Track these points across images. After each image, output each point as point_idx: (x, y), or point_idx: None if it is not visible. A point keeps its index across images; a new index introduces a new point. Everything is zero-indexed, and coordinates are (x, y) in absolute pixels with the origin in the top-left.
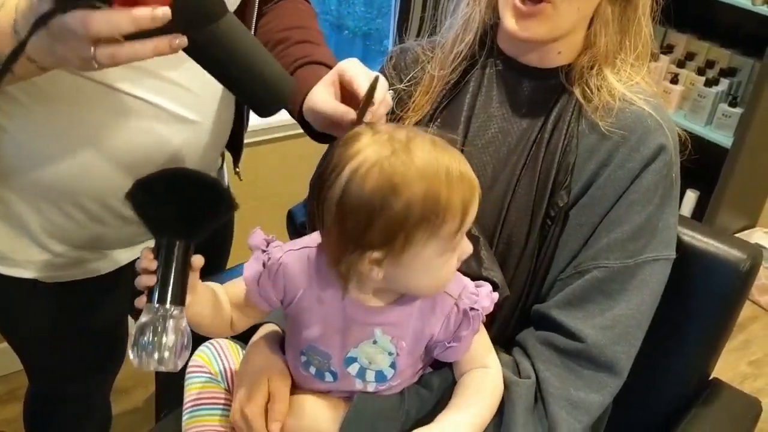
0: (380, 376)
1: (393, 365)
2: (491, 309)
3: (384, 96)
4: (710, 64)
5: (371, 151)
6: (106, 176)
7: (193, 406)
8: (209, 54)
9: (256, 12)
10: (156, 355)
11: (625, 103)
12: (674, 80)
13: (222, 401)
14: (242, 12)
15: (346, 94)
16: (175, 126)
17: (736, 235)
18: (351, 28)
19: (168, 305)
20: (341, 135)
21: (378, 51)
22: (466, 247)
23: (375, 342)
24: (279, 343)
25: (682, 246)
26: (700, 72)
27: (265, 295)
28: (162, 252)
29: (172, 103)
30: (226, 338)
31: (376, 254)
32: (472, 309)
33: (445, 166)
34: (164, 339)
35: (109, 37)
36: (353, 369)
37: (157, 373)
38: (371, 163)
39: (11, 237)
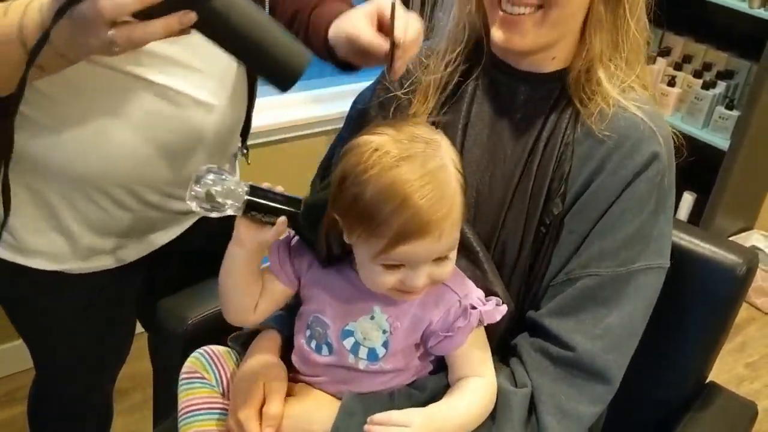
0: (372, 354)
1: (386, 344)
2: (497, 319)
3: (417, 37)
4: (707, 66)
5: (382, 141)
6: (132, 162)
7: (187, 411)
8: (219, 29)
9: None
10: (209, 185)
11: (619, 110)
12: (671, 83)
13: (217, 406)
14: None
15: (383, 29)
16: (194, 110)
17: (733, 237)
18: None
19: (252, 192)
20: (370, 66)
21: None
22: (412, 279)
23: (372, 317)
24: (279, 347)
25: (678, 250)
26: (697, 74)
27: (285, 267)
28: (288, 203)
29: (191, 87)
30: (221, 345)
31: (338, 217)
32: (473, 307)
33: (408, 193)
34: (224, 186)
35: (121, 18)
36: (348, 343)
37: (155, 374)
38: (371, 148)
39: (41, 229)
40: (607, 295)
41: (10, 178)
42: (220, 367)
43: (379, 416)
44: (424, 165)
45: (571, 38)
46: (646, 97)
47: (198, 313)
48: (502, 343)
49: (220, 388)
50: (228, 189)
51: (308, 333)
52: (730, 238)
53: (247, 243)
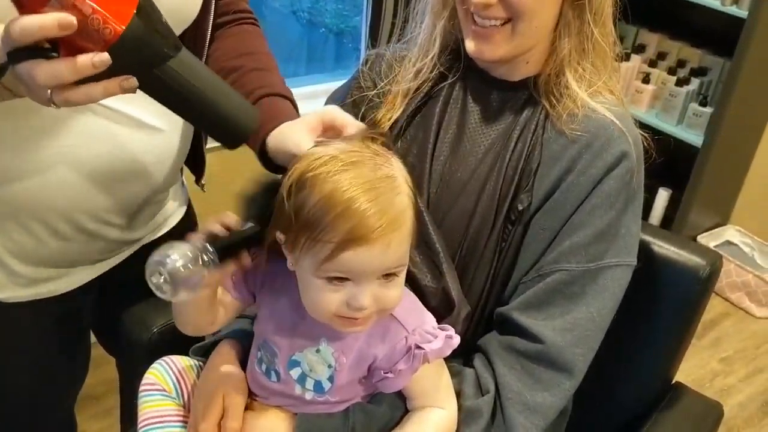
0: (318, 387)
1: (331, 378)
2: (446, 354)
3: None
4: (681, 63)
5: (329, 150)
6: (70, 189)
7: (148, 424)
8: (164, 92)
9: (208, 40)
10: (171, 271)
11: (589, 111)
12: (646, 80)
13: (177, 418)
14: (194, 40)
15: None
16: (140, 134)
17: (708, 232)
18: (326, 26)
19: (212, 252)
20: None
21: (353, 49)
22: (357, 297)
23: (318, 351)
24: (239, 358)
25: (643, 252)
26: (672, 71)
27: (238, 286)
28: (243, 228)
29: (138, 109)
30: (180, 354)
31: (280, 235)
32: (417, 347)
33: (355, 197)
34: (183, 266)
35: (57, 85)
36: (295, 373)
37: (121, 382)
38: (318, 157)
39: None
40: (576, 290)
41: None
42: (180, 379)
43: None
44: (373, 171)
45: (543, 44)
46: (614, 100)
47: (163, 321)
48: (464, 346)
49: (181, 400)
50: (191, 261)
51: (259, 355)
52: (705, 234)
53: (212, 284)
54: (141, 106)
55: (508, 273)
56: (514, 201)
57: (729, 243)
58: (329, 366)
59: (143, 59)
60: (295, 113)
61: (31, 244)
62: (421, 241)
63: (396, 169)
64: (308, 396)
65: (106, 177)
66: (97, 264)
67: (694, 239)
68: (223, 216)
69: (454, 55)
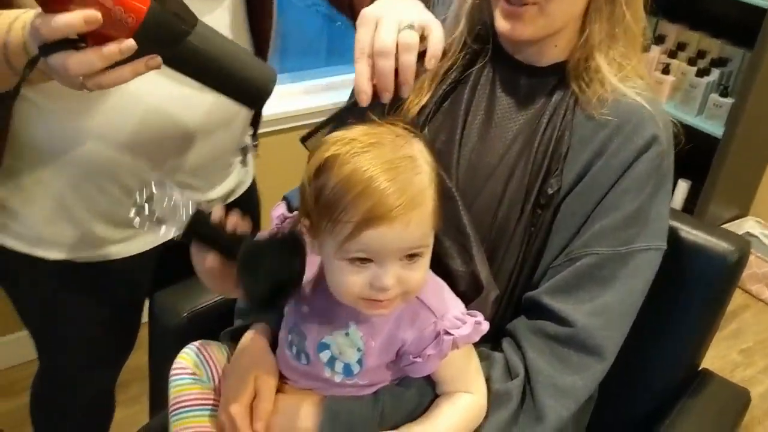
0: (347, 370)
1: (360, 362)
2: (474, 340)
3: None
4: (701, 54)
5: (350, 134)
6: (139, 147)
7: (178, 408)
8: (187, 65)
9: None
10: (152, 203)
11: (619, 95)
12: (665, 70)
13: (208, 401)
14: None
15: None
16: (198, 93)
17: (728, 224)
18: (344, 19)
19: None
20: None
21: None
22: (380, 278)
23: (347, 334)
24: (269, 342)
25: (671, 238)
26: (692, 62)
27: None
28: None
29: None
30: (210, 339)
31: (304, 221)
32: (446, 333)
33: (374, 176)
34: (170, 205)
35: (88, 73)
36: (324, 356)
37: (151, 367)
38: (339, 140)
39: (52, 219)
40: (606, 273)
41: (20, 170)
42: (211, 363)
43: None
44: (393, 152)
45: (573, 27)
46: (643, 85)
47: (193, 306)
48: (493, 330)
49: (212, 384)
50: (171, 207)
51: (289, 338)
52: (725, 225)
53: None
54: None
55: (537, 257)
56: (544, 185)
57: (749, 234)
58: (358, 349)
59: (164, 39)
60: None
61: (106, 203)
62: (452, 225)
63: (416, 150)
64: (337, 379)
65: (175, 137)
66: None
67: (741, 235)
68: (232, 214)
69: (482, 40)
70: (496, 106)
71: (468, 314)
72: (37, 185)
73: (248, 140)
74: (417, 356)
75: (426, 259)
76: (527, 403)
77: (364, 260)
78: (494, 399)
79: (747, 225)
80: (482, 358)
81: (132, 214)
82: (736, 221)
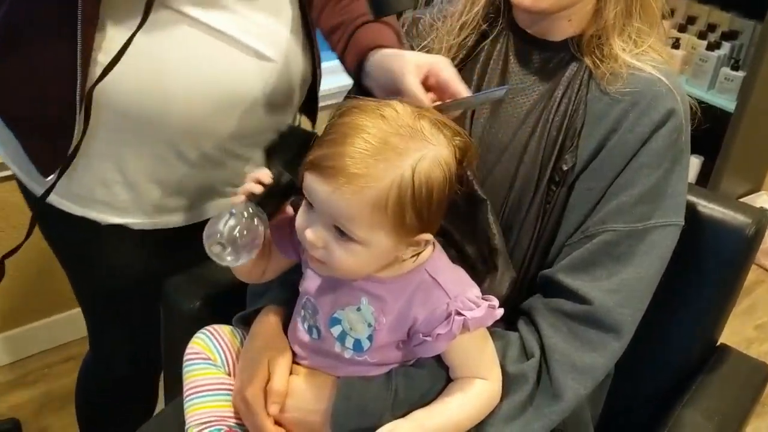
0: (358, 346)
1: (370, 338)
2: (487, 323)
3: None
4: (712, 27)
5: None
6: (192, 114)
7: (193, 393)
8: None
9: None
10: (228, 239)
11: (635, 70)
12: (675, 45)
13: (223, 386)
14: None
15: (428, 84)
16: (254, 62)
17: (741, 199)
18: None
19: (261, 211)
20: None
21: None
22: (306, 223)
23: (359, 309)
24: (282, 325)
25: (687, 212)
26: (702, 36)
27: (284, 246)
28: (278, 180)
29: (251, 37)
30: (224, 324)
31: None
32: (458, 313)
33: (348, 134)
34: (242, 227)
35: None
36: (335, 331)
37: (165, 352)
38: (379, 101)
39: (108, 181)
40: (623, 250)
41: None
42: (224, 347)
43: None
44: (391, 137)
45: (587, 2)
46: (661, 60)
47: (206, 291)
48: (508, 310)
49: (226, 369)
50: (244, 224)
51: (302, 313)
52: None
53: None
54: (257, 36)
55: (552, 235)
56: (558, 162)
57: (763, 210)
58: (369, 325)
59: None
60: (399, 43)
61: (162, 168)
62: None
63: (416, 156)
64: (347, 354)
65: (225, 104)
66: (221, 198)
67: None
68: (255, 174)
69: (494, 14)
70: (508, 81)
71: (483, 298)
72: (94, 143)
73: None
74: (427, 335)
75: (360, 250)
76: (543, 381)
77: (310, 205)
78: (510, 381)
79: (760, 200)
80: (497, 338)
81: (214, 249)
82: (749, 196)
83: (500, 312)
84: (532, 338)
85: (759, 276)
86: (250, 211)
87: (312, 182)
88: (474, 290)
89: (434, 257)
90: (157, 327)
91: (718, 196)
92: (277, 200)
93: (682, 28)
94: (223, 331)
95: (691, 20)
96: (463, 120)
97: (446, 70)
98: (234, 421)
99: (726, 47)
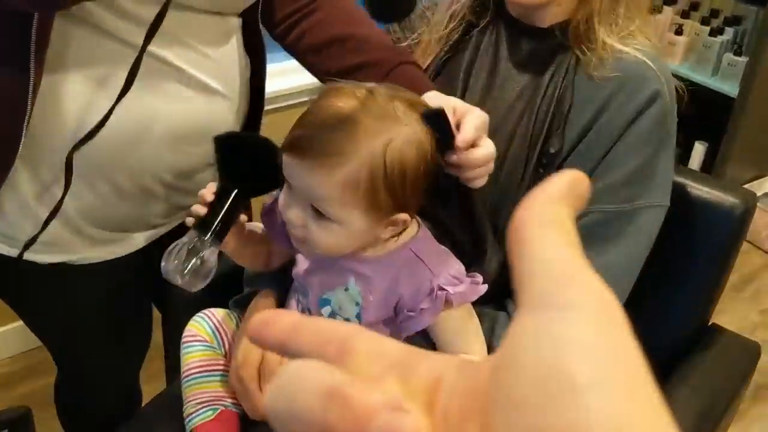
0: None
1: (358, 316)
2: (471, 299)
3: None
4: (715, 13)
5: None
6: (137, 149)
7: (191, 374)
8: None
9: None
10: (178, 273)
11: (621, 54)
12: (678, 31)
13: (220, 367)
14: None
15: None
16: (205, 98)
17: (747, 185)
18: None
19: (207, 238)
20: None
21: None
22: (284, 203)
23: (347, 289)
24: (277, 307)
25: (676, 193)
26: (705, 21)
27: (273, 230)
28: (222, 194)
29: (204, 74)
30: (221, 308)
31: None
32: (441, 288)
33: (326, 116)
34: (190, 263)
35: None
36: (325, 312)
37: (164, 336)
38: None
39: (42, 219)
40: (611, 231)
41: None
42: (220, 329)
43: None
44: (364, 118)
45: None
46: (648, 44)
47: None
48: (497, 291)
49: (222, 350)
50: (188, 258)
51: (295, 296)
52: (744, 186)
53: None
54: (208, 71)
55: None
56: (546, 145)
57: (751, 191)
58: (357, 303)
59: None
60: (429, 80)
61: (97, 203)
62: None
63: (388, 136)
64: None
65: (172, 139)
66: (156, 228)
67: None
68: (200, 194)
69: (483, 3)
70: (498, 68)
71: (468, 275)
72: (28, 183)
73: None
74: (412, 311)
75: (337, 229)
76: None
77: (290, 185)
78: None
79: (766, 185)
80: (486, 318)
81: (171, 272)
82: (754, 182)
83: (484, 288)
84: None
85: (765, 261)
86: (195, 241)
87: (288, 163)
88: (458, 267)
89: (419, 237)
90: (129, 335)
91: (707, 178)
92: (228, 213)
93: (685, 14)
94: (219, 314)
95: (694, 6)
96: None
97: (459, 109)
98: (230, 400)
99: (729, 33)
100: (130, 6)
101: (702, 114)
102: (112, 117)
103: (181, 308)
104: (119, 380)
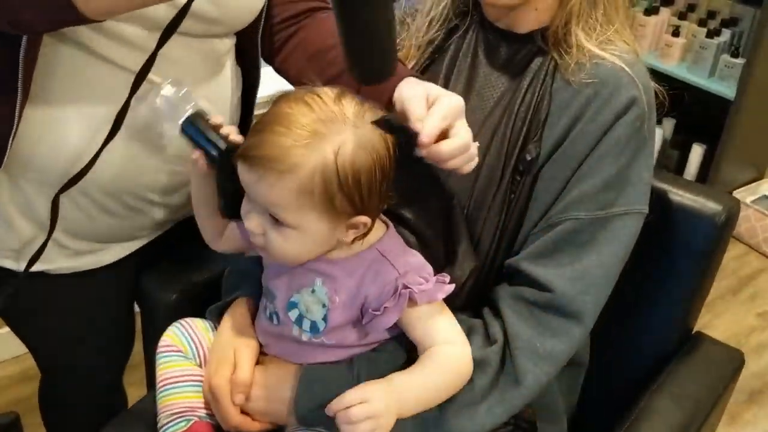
0: (314, 328)
1: (325, 318)
2: (437, 298)
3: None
4: (712, 14)
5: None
6: (116, 168)
7: (165, 385)
8: (370, 8)
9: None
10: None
11: (598, 59)
12: (675, 33)
13: (194, 377)
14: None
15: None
16: None
17: (745, 187)
18: None
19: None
20: None
21: None
22: (245, 213)
23: (313, 291)
24: (251, 316)
25: (658, 200)
26: (702, 23)
27: (242, 230)
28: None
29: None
30: (196, 317)
31: None
32: (405, 287)
33: (273, 122)
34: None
35: None
36: (293, 314)
37: (145, 345)
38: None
39: (27, 232)
40: (586, 238)
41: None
42: (195, 339)
43: (333, 403)
44: (317, 121)
45: None
46: (626, 48)
47: (181, 285)
48: (474, 299)
49: (197, 360)
50: (175, 102)
51: (264, 301)
52: (742, 188)
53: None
54: (199, 99)
55: (518, 225)
56: (522, 152)
57: (766, 197)
58: (323, 305)
59: None
60: (405, 67)
61: (80, 218)
62: (432, 193)
63: (339, 141)
64: (305, 337)
65: (160, 162)
66: (136, 240)
67: (730, 194)
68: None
69: (465, 8)
70: (476, 74)
71: (436, 276)
72: (6, 193)
73: None
74: (376, 310)
75: (296, 235)
76: (507, 367)
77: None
78: (474, 366)
79: (764, 187)
80: (461, 325)
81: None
82: (752, 184)
83: (450, 287)
84: (496, 324)
85: (763, 264)
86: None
87: (242, 172)
88: (426, 268)
89: (386, 238)
90: (110, 342)
91: (690, 184)
92: (201, 134)
93: (682, 16)
94: (195, 323)
95: (691, 7)
96: None
97: (438, 106)
98: (204, 411)
99: (726, 34)
100: (123, 30)
101: (699, 116)
102: (102, 153)
103: (157, 317)
104: (102, 384)
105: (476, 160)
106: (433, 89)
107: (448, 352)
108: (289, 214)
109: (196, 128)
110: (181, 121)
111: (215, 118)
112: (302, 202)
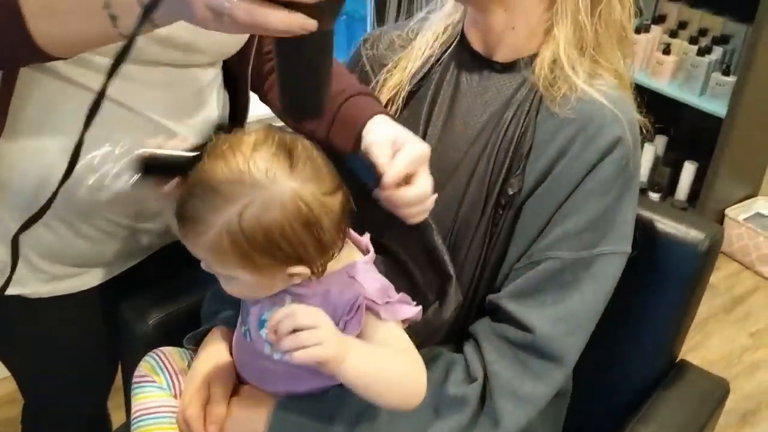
0: None
1: None
2: (401, 316)
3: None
4: (703, 32)
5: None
6: (94, 202)
7: (139, 416)
8: (309, 50)
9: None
10: None
11: (583, 95)
12: (666, 51)
13: (168, 409)
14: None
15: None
16: (158, 139)
17: (738, 205)
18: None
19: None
20: None
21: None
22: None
23: None
24: (229, 345)
25: (640, 227)
26: (693, 41)
27: None
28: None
29: (158, 114)
30: (171, 346)
31: None
32: (369, 300)
33: (192, 182)
34: None
35: None
36: (264, 332)
37: (123, 374)
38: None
39: (1, 255)
40: (569, 278)
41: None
42: (170, 369)
43: (280, 324)
44: (222, 176)
45: (534, 19)
46: (613, 83)
47: (159, 314)
48: (456, 332)
49: (172, 391)
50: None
51: (240, 319)
52: (734, 206)
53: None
54: (162, 110)
55: (500, 258)
56: (505, 185)
57: (759, 215)
58: None
59: (336, 9)
60: (379, 105)
61: (56, 243)
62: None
63: (244, 202)
64: (276, 356)
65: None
66: (117, 264)
67: (723, 212)
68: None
69: (447, 39)
70: (460, 103)
71: (400, 294)
72: None
73: None
74: (338, 324)
75: (235, 282)
76: (487, 406)
77: None
78: (450, 403)
79: (757, 205)
80: (441, 359)
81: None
82: (745, 202)
83: (416, 309)
84: (476, 361)
85: (756, 283)
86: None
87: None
88: (391, 290)
89: (358, 263)
90: (93, 367)
91: (673, 211)
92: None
93: (673, 34)
94: (170, 353)
95: (682, 25)
96: None
97: (403, 153)
98: None
99: (717, 52)
100: (95, 59)
101: (691, 133)
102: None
103: (134, 346)
104: (84, 410)
105: (429, 212)
106: (401, 134)
107: (403, 355)
108: (218, 267)
109: (153, 168)
110: (132, 181)
111: (167, 145)
112: (222, 258)
